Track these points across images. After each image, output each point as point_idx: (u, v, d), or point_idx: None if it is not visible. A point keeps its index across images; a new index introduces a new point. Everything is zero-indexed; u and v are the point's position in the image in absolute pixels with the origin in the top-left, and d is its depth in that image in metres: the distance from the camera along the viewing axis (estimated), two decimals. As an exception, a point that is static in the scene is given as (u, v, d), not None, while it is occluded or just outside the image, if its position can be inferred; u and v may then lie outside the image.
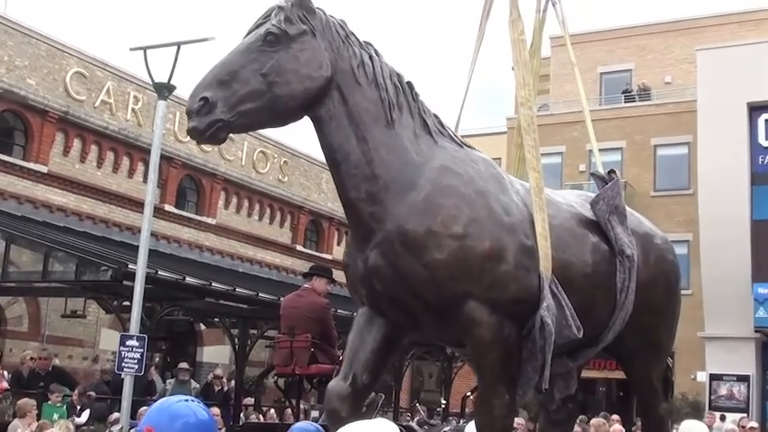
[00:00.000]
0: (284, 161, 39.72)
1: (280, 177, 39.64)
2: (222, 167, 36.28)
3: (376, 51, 6.81)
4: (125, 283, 18.36)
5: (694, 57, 38.82)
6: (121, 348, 16.04)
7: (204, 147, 35.05)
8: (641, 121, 39.93)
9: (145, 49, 17.24)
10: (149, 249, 17.16)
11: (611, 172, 8.12)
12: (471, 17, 8.87)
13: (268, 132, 39.17)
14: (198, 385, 23.95)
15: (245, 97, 6.12)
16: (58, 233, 25.31)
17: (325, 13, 6.63)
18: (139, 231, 17.77)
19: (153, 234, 21.86)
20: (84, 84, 30.73)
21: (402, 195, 6.49)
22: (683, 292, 30.41)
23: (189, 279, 20.76)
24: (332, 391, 6.70)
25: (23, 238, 22.77)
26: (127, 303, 18.76)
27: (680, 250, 35.78)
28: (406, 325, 6.91)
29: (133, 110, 32.28)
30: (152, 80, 17.53)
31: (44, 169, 29.18)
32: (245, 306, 23.35)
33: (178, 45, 17.20)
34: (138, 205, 26.66)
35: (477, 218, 6.50)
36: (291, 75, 6.25)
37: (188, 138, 32.05)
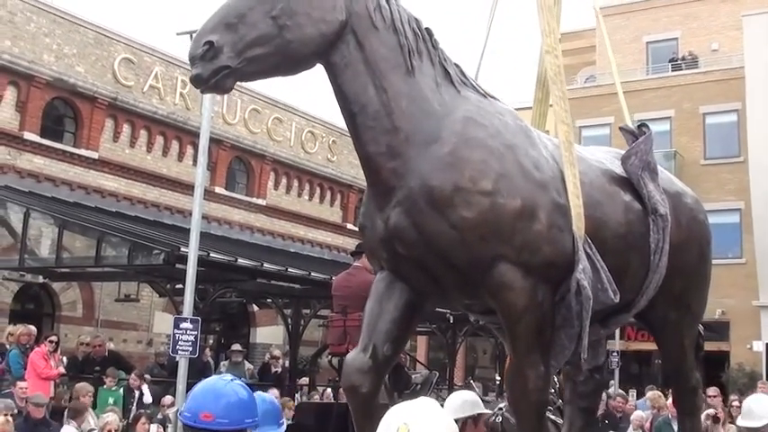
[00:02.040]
0: (333, 140, 39.75)
1: (329, 157, 39.71)
2: (271, 148, 36.41)
3: None
4: (177, 266, 18.46)
5: (741, 23, 38.42)
6: (175, 331, 16.11)
7: (253, 128, 35.27)
8: (689, 89, 39.53)
9: (191, 33, 17.21)
10: (201, 232, 17.24)
11: (643, 126, 7.59)
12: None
13: (316, 112, 39.37)
14: (251, 366, 24.14)
15: (253, 42, 5.66)
16: (111, 218, 25.56)
17: None
18: (190, 214, 17.86)
19: (204, 216, 22.01)
20: (132, 69, 30.94)
21: (425, 149, 6.02)
22: (736, 260, 30.26)
23: (241, 260, 20.89)
24: (351, 365, 6.22)
25: (76, 224, 22.98)
26: (180, 286, 18.89)
27: (732, 219, 36.16)
28: (429, 290, 6.45)
29: (181, 94, 32.46)
30: (199, 64, 17.56)
31: (95, 155, 29.45)
32: (298, 286, 23.48)
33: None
34: (188, 188, 26.82)
35: (507, 173, 6.04)
36: (303, 18, 5.76)
37: (236, 119, 32.49)
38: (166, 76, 32.13)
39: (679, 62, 42.29)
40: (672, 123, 39.47)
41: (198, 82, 5.68)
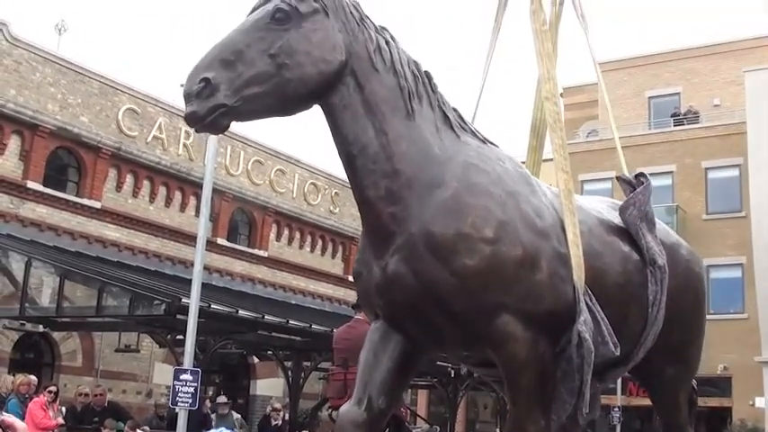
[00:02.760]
0: (335, 192, 39.82)
1: (331, 209, 39.76)
2: (273, 200, 36.47)
3: (392, 37, 6.18)
4: (178, 316, 18.44)
5: (742, 78, 38.69)
6: (175, 382, 16.06)
7: (255, 180, 35.33)
8: (691, 144, 39.75)
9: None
10: (202, 283, 17.21)
11: (641, 175, 7.40)
12: (488, 6, 8.02)
13: (319, 164, 39.48)
14: (239, 416, 24.09)
15: (251, 80, 5.48)
16: (112, 268, 25.51)
17: None
18: (192, 265, 17.85)
19: (205, 267, 21.97)
20: (136, 120, 31.08)
21: (426, 194, 5.85)
22: (738, 316, 30.22)
23: (242, 312, 20.84)
24: (345, 419, 5.98)
25: (78, 274, 22.94)
26: (180, 337, 18.85)
27: (734, 273, 36.18)
28: (426, 341, 6.21)
29: (185, 145, 32.58)
30: (204, 116, 17.60)
31: (97, 205, 29.50)
32: (299, 338, 23.42)
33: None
34: (190, 239, 26.84)
35: (510, 220, 5.88)
36: (303, 56, 5.61)
37: (239, 171, 32.55)
38: (170, 126, 32.24)
39: (681, 117, 42.50)
40: (674, 178, 39.65)
41: (193, 120, 5.50)
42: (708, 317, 8.18)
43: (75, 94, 29.17)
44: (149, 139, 31.43)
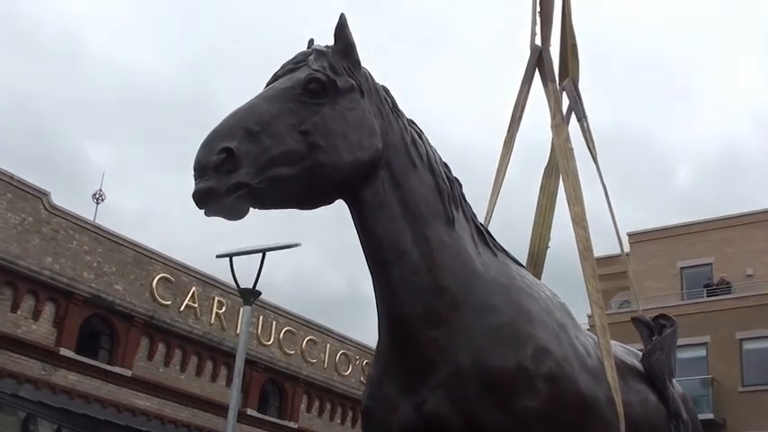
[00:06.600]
0: (366, 362, 39.65)
1: (362, 379, 39.49)
2: (304, 370, 36.33)
3: (421, 130, 5.34)
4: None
5: (775, 248, 38.71)
6: None
7: (287, 350, 35.26)
8: (724, 315, 39.41)
9: (231, 256, 17.54)
10: (232, 454, 17.08)
11: (662, 317, 6.76)
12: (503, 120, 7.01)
13: (350, 333, 39.44)
14: None
15: (278, 158, 4.46)
16: (141, 438, 25.39)
17: (369, 73, 5.16)
18: (221, 435, 17.72)
19: (235, 438, 21.85)
20: (169, 289, 31.33)
21: (476, 318, 4.95)
22: (777, 490, 28.98)
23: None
24: None
25: (107, 444, 22.86)
26: None
27: (774, 449, 35.19)
28: None
29: (217, 314, 32.74)
30: (238, 287, 17.77)
31: (128, 373, 29.50)
32: None
33: (263, 252, 17.47)
34: (220, 409, 26.75)
35: (566, 357, 5.07)
36: (339, 139, 4.65)
37: (271, 341, 32.43)
38: (203, 296, 32.47)
39: (714, 288, 42.34)
40: (708, 349, 39.19)
41: (209, 199, 4.35)
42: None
43: (110, 263, 29.53)
44: (182, 308, 31.63)
